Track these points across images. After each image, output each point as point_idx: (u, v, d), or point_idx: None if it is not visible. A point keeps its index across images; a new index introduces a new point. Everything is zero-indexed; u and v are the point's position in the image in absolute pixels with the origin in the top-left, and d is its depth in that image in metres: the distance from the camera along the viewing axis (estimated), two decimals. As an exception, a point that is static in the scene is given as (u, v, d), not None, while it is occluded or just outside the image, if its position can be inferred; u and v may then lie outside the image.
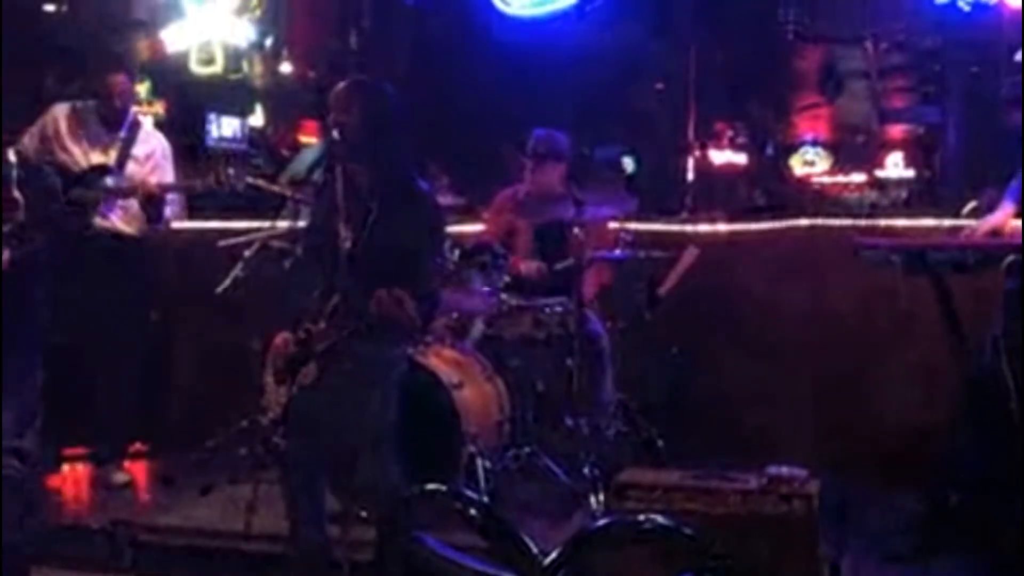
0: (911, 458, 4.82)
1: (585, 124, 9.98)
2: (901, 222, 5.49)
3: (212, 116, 11.38)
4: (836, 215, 6.11)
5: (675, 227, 5.97)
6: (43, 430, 3.72)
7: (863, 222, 5.71)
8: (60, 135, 5.37)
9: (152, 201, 5.31)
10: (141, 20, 9.69)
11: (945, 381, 4.58)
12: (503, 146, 8.58)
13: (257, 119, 12.38)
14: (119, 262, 5.35)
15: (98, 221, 5.33)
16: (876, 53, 14.55)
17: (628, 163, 13.79)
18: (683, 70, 12.35)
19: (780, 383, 5.49)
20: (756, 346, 5.57)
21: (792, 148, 18.30)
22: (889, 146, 18.02)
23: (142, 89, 9.88)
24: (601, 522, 2.91)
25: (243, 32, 9.71)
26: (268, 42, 11.06)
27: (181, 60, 9.64)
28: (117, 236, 5.38)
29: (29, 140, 5.35)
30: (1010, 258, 4.01)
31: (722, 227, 5.90)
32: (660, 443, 5.23)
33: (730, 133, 16.67)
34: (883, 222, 5.55)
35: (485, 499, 4.01)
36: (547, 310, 5.11)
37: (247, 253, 5.22)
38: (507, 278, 5.08)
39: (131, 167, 5.42)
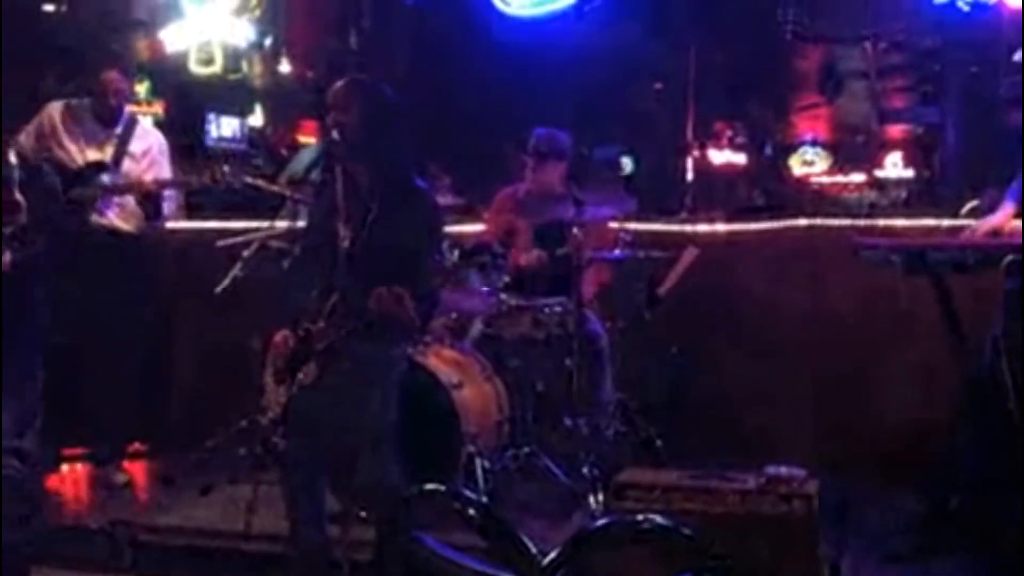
0: (911, 458, 4.81)
1: (584, 124, 9.96)
2: (901, 222, 5.50)
3: (211, 116, 11.39)
4: (835, 215, 6.11)
5: (674, 227, 5.98)
6: (43, 430, 3.72)
7: (862, 222, 5.72)
8: (56, 132, 5.36)
9: (149, 197, 5.30)
10: (141, 20, 9.66)
11: (945, 381, 4.58)
12: (505, 145, 8.58)
13: (256, 119, 12.38)
14: (117, 259, 5.34)
15: (95, 218, 5.33)
16: (875, 53, 14.53)
17: (627, 163, 13.79)
18: (682, 70, 12.36)
19: (780, 383, 5.49)
20: (756, 346, 5.57)
21: (791, 148, 18.26)
22: (888, 146, 17.98)
23: (141, 89, 9.89)
24: (600, 522, 2.91)
25: (242, 32, 9.68)
26: (267, 42, 11.04)
27: (180, 60, 9.62)
28: (114, 233, 5.37)
29: (25, 138, 5.34)
30: (1010, 258, 4.01)
31: (721, 227, 5.90)
32: (659, 443, 5.23)
33: (729, 133, 16.65)
34: (882, 222, 5.56)
35: (484, 499, 4.01)
36: (546, 310, 5.11)
37: (246, 253, 5.21)
38: (507, 278, 5.07)
39: (127, 164, 5.41)
